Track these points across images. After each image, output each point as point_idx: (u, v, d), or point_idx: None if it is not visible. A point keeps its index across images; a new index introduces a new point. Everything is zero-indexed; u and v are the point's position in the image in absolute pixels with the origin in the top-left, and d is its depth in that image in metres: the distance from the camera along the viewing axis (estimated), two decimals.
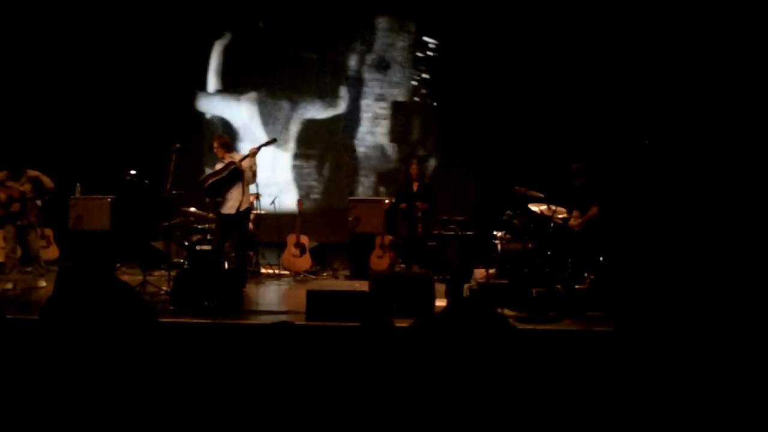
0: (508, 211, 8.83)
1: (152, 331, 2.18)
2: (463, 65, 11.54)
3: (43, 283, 8.49)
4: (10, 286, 8.31)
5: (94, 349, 2.02)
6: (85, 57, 11.23)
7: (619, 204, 8.81)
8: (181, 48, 11.49)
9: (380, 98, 11.94)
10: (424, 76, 11.86)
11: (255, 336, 2.24)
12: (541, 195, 8.53)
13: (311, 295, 7.05)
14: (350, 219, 10.26)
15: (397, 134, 11.91)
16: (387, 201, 10.32)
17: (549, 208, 8.28)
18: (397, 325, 3.35)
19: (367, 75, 11.91)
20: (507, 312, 7.05)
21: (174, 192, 8.45)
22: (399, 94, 11.93)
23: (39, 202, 8.55)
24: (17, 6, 11.05)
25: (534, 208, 8.42)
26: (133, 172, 8.50)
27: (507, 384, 2.09)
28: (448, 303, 6.33)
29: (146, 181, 8.53)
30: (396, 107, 11.93)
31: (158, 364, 2.13)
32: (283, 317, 7.17)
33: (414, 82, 11.87)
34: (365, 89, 11.92)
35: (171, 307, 7.19)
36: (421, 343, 2.16)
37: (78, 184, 10.38)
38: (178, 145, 8.35)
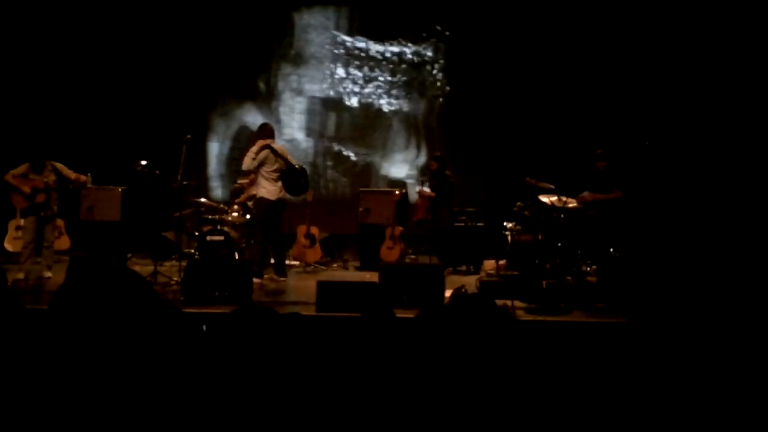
0: (519, 203, 8.80)
1: (172, 323, 2.18)
2: (474, 57, 11.50)
3: (48, 274, 8.53)
4: (21, 276, 8.36)
5: (104, 340, 2.02)
6: (96, 49, 11.26)
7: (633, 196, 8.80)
8: (192, 39, 11.49)
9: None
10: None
11: (266, 327, 2.24)
12: (552, 186, 8.49)
13: (321, 285, 7.05)
14: (360, 210, 10.24)
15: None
16: (398, 192, 10.32)
17: (560, 200, 8.25)
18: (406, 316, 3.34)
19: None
20: (517, 303, 7.04)
21: (185, 183, 8.47)
22: None
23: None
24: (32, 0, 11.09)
25: (544, 199, 8.39)
26: (144, 162, 8.51)
27: (514, 377, 2.09)
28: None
29: (157, 172, 8.53)
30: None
31: (169, 354, 2.13)
32: (293, 308, 7.18)
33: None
34: None
35: (182, 298, 7.23)
36: (424, 335, 2.16)
37: (89, 174, 10.40)
38: (189, 136, 8.37)
